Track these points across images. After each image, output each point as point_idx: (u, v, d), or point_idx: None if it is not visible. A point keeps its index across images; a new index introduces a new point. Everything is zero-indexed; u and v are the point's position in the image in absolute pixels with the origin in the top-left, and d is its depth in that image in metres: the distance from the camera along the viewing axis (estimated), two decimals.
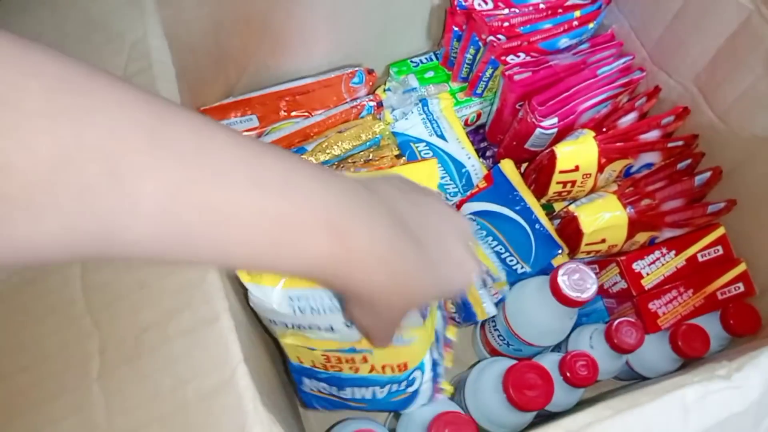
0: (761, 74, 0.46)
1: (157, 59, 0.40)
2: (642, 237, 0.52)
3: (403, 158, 0.55)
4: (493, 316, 0.55)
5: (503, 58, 0.55)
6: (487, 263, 0.53)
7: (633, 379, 0.57)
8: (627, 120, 0.54)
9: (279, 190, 0.22)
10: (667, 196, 0.52)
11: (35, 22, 0.43)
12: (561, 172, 0.51)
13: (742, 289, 0.51)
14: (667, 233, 0.52)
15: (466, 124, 0.62)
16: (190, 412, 0.30)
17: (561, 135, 0.54)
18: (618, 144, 0.52)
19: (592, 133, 0.52)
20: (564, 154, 0.51)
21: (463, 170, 0.58)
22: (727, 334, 0.52)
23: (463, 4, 0.55)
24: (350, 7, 0.56)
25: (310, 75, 0.58)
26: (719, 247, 0.52)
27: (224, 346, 0.31)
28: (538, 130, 0.53)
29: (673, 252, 0.52)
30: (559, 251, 0.53)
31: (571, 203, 0.54)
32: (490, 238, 0.55)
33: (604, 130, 0.53)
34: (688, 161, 0.53)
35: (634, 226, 0.51)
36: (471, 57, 0.57)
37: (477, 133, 0.64)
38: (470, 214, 0.56)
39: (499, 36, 0.55)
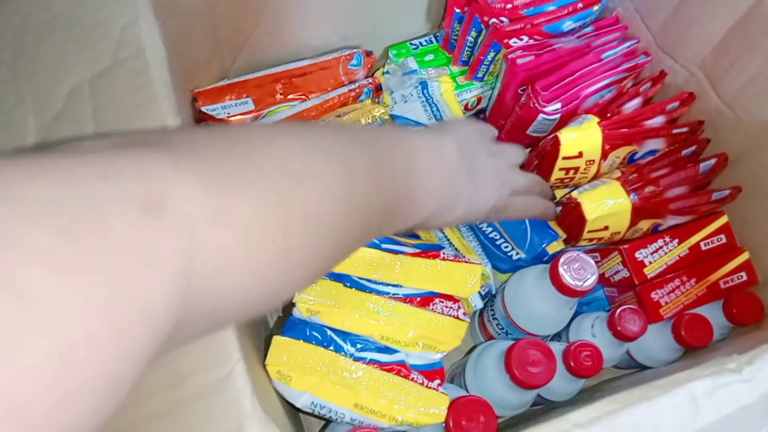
0: None
1: (149, 44, 0.38)
2: (645, 224, 0.51)
3: None
4: (492, 305, 0.54)
5: (506, 41, 0.53)
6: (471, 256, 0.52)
7: (632, 368, 0.56)
8: (631, 105, 0.53)
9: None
10: (672, 183, 0.51)
11: (22, 1, 0.41)
12: (564, 158, 0.50)
13: (745, 278, 0.51)
14: (671, 220, 0.51)
15: (466, 108, 0.60)
16: (186, 409, 0.29)
17: (564, 120, 0.53)
18: (623, 130, 0.51)
19: (596, 119, 0.51)
20: (568, 140, 0.50)
21: None
22: (728, 323, 0.51)
23: None
24: None
25: (307, 57, 0.56)
26: (722, 236, 0.52)
27: (223, 343, 0.30)
28: (541, 116, 0.52)
29: (676, 240, 0.51)
30: (555, 238, 0.52)
31: (573, 190, 0.53)
32: (485, 224, 0.55)
33: (609, 115, 0.52)
34: (693, 148, 0.52)
35: (637, 213, 0.50)
36: (472, 40, 0.56)
37: (477, 118, 0.63)
38: None
39: (502, 18, 0.53)
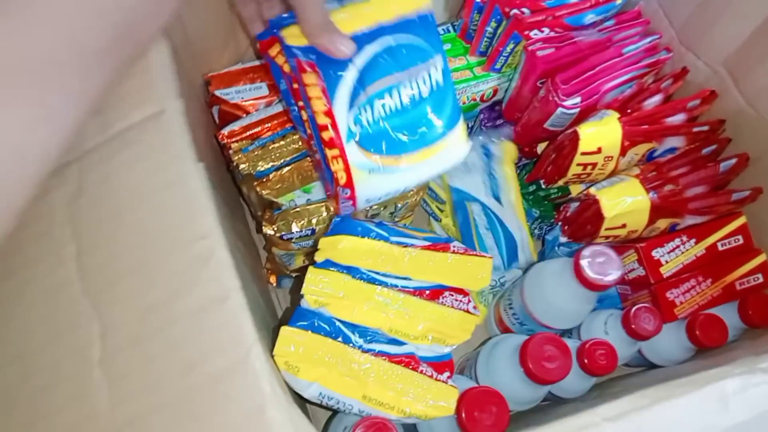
0: None
1: None
2: (662, 223, 0.50)
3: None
4: (510, 295, 0.53)
5: (526, 32, 0.52)
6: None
7: (640, 366, 0.56)
8: (652, 102, 0.52)
9: None
10: (691, 182, 0.50)
11: None
12: (583, 153, 0.49)
13: (761, 280, 0.50)
14: (689, 220, 0.51)
15: (481, 100, 0.59)
16: (200, 395, 0.28)
17: (582, 115, 0.52)
18: (643, 127, 0.50)
19: (617, 115, 0.50)
20: (587, 136, 0.49)
21: (512, 244, 0.56)
22: (742, 325, 0.51)
23: None
24: None
25: None
26: (740, 237, 0.51)
27: (236, 326, 0.29)
28: (559, 110, 0.51)
29: (693, 240, 0.50)
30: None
31: (590, 186, 0.52)
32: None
33: (629, 111, 0.51)
34: (713, 147, 0.51)
35: (656, 212, 0.49)
36: (492, 30, 0.55)
37: (492, 110, 0.62)
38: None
39: (523, 9, 0.52)
